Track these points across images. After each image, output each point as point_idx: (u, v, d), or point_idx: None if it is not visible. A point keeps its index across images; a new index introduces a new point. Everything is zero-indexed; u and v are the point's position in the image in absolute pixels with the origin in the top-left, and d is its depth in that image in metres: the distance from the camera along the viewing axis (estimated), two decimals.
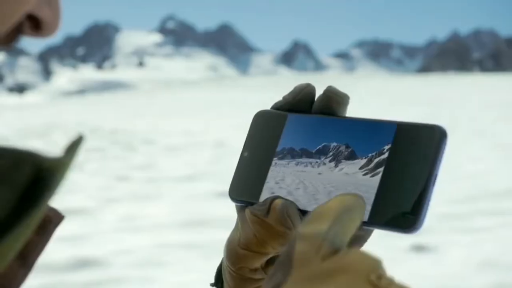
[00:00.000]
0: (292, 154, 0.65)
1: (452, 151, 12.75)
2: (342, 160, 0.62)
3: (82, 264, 5.81)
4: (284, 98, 0.66)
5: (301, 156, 0.64)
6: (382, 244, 6.08)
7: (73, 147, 0.39)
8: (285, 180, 0.64)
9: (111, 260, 5.91)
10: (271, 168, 0.65)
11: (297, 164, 0.64)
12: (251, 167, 0.66)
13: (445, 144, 0.56)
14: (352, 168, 0.61)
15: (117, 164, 12.34)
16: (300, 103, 0.65)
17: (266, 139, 0.66)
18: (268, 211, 0.60)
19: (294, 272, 0.42)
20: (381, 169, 0.58)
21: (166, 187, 9.60)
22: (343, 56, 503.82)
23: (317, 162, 0.64)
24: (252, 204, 0.63)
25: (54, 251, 6.23)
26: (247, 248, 0.63)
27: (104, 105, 33.85)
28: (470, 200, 8.21)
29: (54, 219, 0.48)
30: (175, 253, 6.12)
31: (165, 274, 5.56)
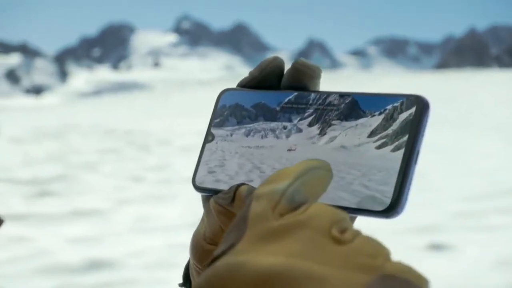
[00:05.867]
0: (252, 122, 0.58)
1: (467, 147, 12.65)
2: (334, 121, 0.52)
3: (95, 265, 5.80)
4: (250, 73, 0.60)
5: (257, 118, 0.57)
6: (398, 242, 6.03)
7: None
8: (245, 164, 0.57)
9: (124, 261, 5.90)
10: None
11: (254, 135, 0.57)
12: (215, 151, 0.60)
13: (427, 116, 0.49)
14: (354, 135, 0.51)
15: (132, 165, 12.35)
16: (267, 78, 0.58)
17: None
18: (233, 199, 0.53)
19: (248, 231, 0.38)
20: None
21: (181, 188, 9.58)
22: (359, 53, 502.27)
23: (284, 128, 0.55)
24: (217, 192, 0.56)
25: (67, 252, 6.24)
26: (213, 243, 0.57)
27: (120, 106, 33.95)
28: (486, 197, 8.12)
29: None
30: (188, 255, 6.09)
31: (178, 276, 5.52)
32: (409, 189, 0.48)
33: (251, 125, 0.59)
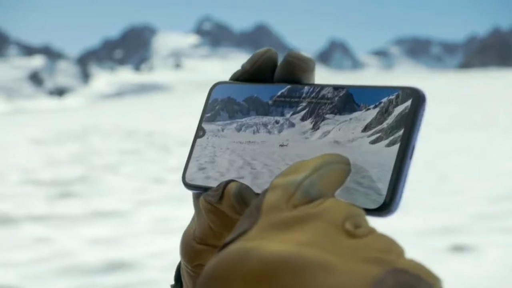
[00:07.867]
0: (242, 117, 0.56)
1: (491, 148, 12.52)
2: (328, 115, 0.50)
3: (115, 266, 5.81)
4: (242, 66, 0.58)
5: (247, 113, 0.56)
6: (420, 244, 5.97)
7: None
8: (236, 161, 0.54)
9: (144, 262, 5.90)
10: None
11: (246, 130, 0.55)
12: (206, 147, 0.58)
13: (423, 110, 0.46)
14: (348, 130, 0.49)
15: (152, 166, 12.39)
16: (259, 71, 0.56)
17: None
18: (221, 196, 0.51)
19: (261, 220, 0.39)
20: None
21: None
22: (381, 53, 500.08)
23: (276, 122, 0.53)
24: (208, 190, 0.54)
25: (87, 253, 6.26)
26: (203, 242, 0.55)
27: (141, 107, 34.11)
28: (509, 199, 8.01)
29: None
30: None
31: None
32: (404, 186, 0.45)
33: (243, 119, 0.56)
